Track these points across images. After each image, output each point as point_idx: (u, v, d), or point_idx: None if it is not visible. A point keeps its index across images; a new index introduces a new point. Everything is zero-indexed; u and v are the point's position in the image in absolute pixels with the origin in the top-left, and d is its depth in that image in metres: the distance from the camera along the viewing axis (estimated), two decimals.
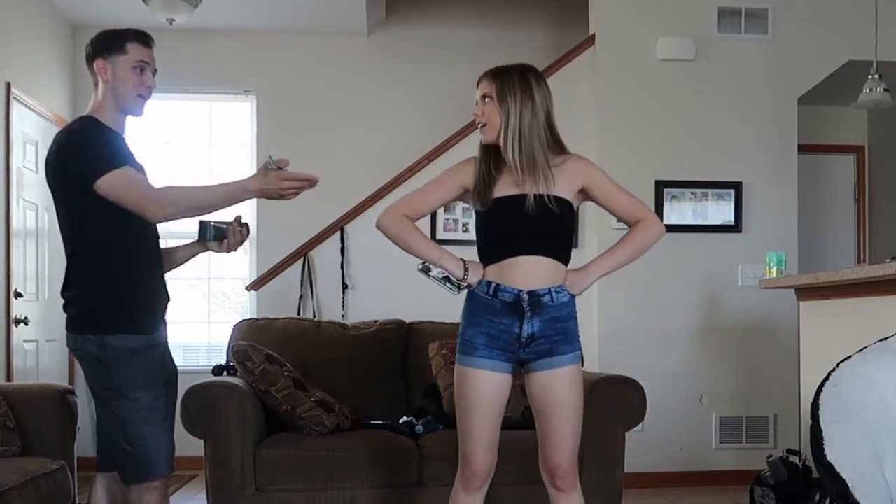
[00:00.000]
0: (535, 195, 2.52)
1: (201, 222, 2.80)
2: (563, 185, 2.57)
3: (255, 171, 6.81)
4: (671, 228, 5.47)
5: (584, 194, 2.65)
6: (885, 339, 2.05)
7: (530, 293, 2.52)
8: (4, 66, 5.14)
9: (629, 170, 5.39)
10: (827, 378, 1.94)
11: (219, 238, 2.83)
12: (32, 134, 5.42)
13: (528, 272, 2.53)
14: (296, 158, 6.86)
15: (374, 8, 6.03)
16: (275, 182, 2.59)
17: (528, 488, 3.09)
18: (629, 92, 5.45)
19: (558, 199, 2.54)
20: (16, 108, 5.20)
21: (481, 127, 2.63)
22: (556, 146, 2.61)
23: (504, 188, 2.57)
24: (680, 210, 5.43)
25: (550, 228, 2.56)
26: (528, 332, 2.53)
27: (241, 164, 6.32)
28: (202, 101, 6.22)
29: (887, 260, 3.51)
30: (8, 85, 5.13)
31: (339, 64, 6.30)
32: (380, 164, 5.91)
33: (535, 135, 2.55)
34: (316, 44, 6.28)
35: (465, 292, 2.63)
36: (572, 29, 6.08)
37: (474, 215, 2.69)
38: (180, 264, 2.93)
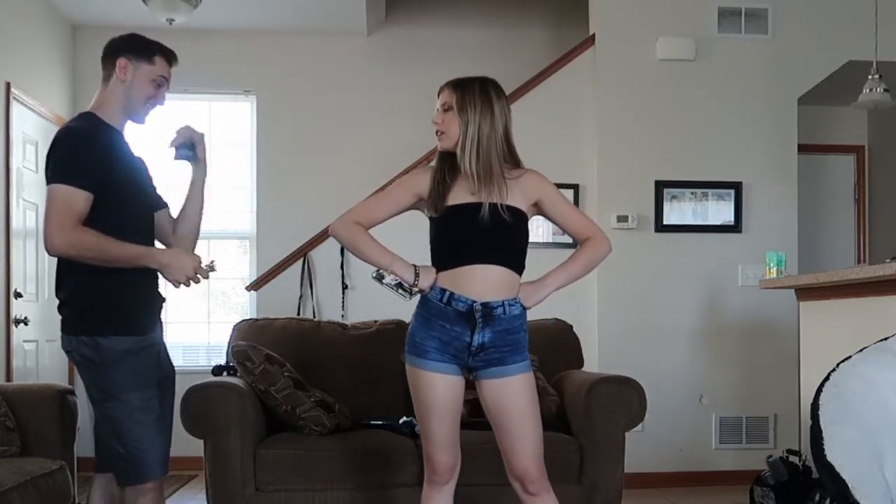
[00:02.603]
0: (489, 204, 2.55)
1: (179, 145, 2.76)
2: (517, 197, 2.61)
3: (255, 171, 6.81)
4: (671, 228, 5.52)
5: (537, 208, 2.69)
6: (885, 339, 2.05)
7: (484, 304, 2.55)
8: (4, 66, 5.14)
9: (629, 170, 5.41)
10: (827, 378, 1.94)
11: (192, 152, 2.78)
12: (32, 134, 5.42)
13: (482, 282, 2.56)
14: (296, 158, 6.92)
15: (374, 8, 6.03)
16: (188, 264, 2.56)
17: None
18: (629, 92, 5.45)
19: (512, 209, 2.58)
20: (16, 108, 5.20)
21: (440, 135, 2.67)
22: (512, 159, 2.66)
23: (458, 196, 2.60)
24: (680, 210, 5.43)
25: (503, 237, 2.58)
26: (479, 341, 2.57)
27: (241, 164, 6.33)
28: (202, 101, 6.21)
29: (887, 260, 3.51)
30: (8, 85, 5.13)
31: (339, 64, 6.30)
32: (380, 164, 5.90)
33: (492, 145, 2.59)
34: (316, 44, 6.28)
35: (417, 297, 2.65)
36: (572, 29, 6.08)
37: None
38: (196, 220, 2.86)
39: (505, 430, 2.61)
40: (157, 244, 2.81)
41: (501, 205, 2.55)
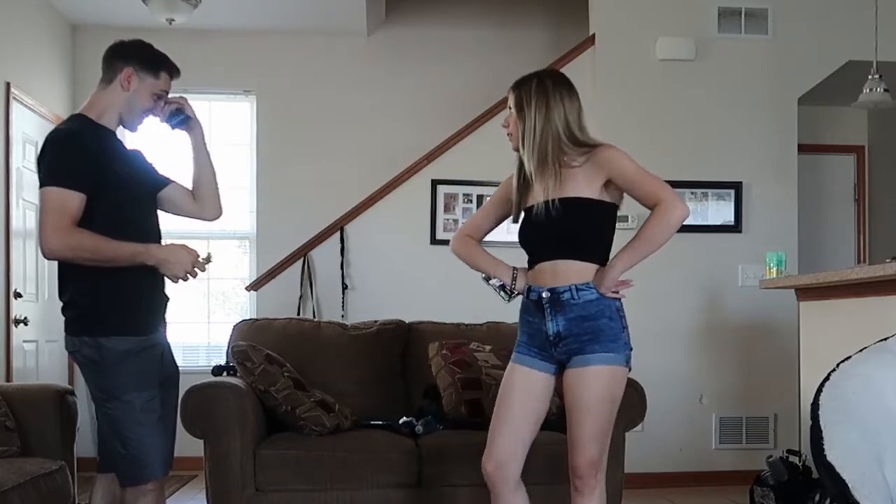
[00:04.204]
0: (542, 202, 2.56)
1: (169, 115, 2.79)
2: (580, 184, 2.55)
3: (255, 171, 6.81)
4: None
5: (615, 186, 2.60)
6: (885, 339, 2.05)
7: (551, 290, 2.56)
8: (4, 66, 5.14)
9: None
10: (827, 378, 1.94)
11: (184, 115, 2.82)
12: (32, 134, 5.41)
13: (552, 274, 2.59)
14: (296, 158, 6.92)
15: (374, 8, 6.03)
16: (185, 259, 2.57)
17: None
18: (629, 92, 5.45)
19: (568, 200, 2.53)
20: (15, 108, 5.20)
21: (509, 137, 2.70)
22: (579, 147, 2.59)
23: (531, 198, 2.64)
24: None
25: (557, 233, 2.56)
26: (554, 330, 2.56)
27: (241, 164, 6.33)
28: (202, 101, 6.20)
29: (887, 260, 3.51)
30: (8, 85, 5.13)
31: (339, 64, 6.30)
32: (380, 164, 5.91)
33: (548, 140, 2.57)
34: (316, 44, 6.28)
35: (518, 300, 2.72)
36: (572, 29, 6.08)
37: None
38: (212, 179, 2.89)
39: (568, 420, 2.58)
40: (162, 239, 2.80)
41: (553, 200, 2.54)
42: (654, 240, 2.53)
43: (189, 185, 2.91)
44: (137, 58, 2.66)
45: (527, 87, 2.62)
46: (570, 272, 2.55)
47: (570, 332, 2.54)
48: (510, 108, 2.65)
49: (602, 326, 2.53)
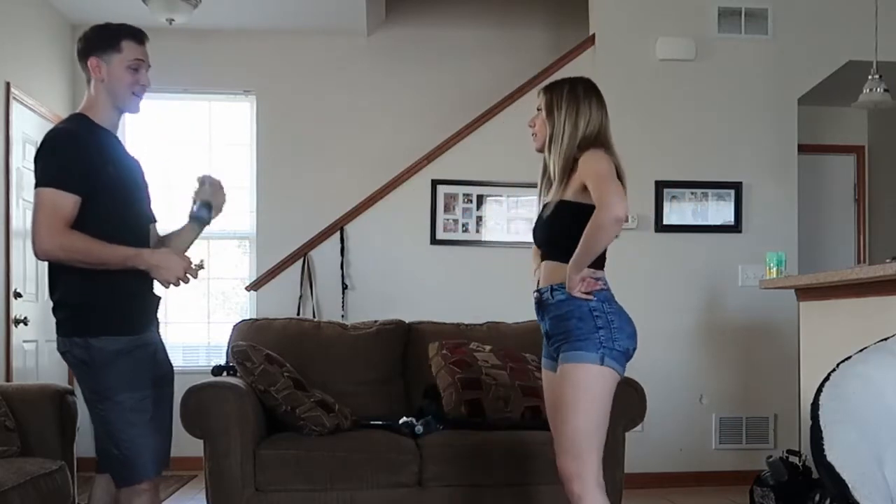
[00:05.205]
0: (545, 204, 2.68)
1: (201, 203, 2.83)
2: (569, 190, 2.63)
3: (255, 171, 6.81)
4: (671, 228, 5.52)
5: None
6: (885, 339, 2.05)
7: (538, 290, 2.68)
8: (4, 66, 5.14)
9: (629, 170, 5.36)
10: (827, 378, 1.94)
11: (208, 212, 2.85)
12: (32, 134, 5.41)
13: (542, 275, 2.69)
14: (296, 158, 6.91)
15: (374, 8, 6.03)
16: (177, 265, 2.56)
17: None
18: (629, 92, 5.44)
19: (559, 203, 2.62)
20: (15, 108, 5.20)
21: (533, 137, 2.76)
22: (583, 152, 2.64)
23: (550, 198, 2.71)
24: (680, 210, 5.43)
25: (544, 234, 2.70)
26: (543, 329, 2.69)
27: (241, 164, 6.33)
28: (202, 102, 6.21)
29: (887, 260, 3.51)
30: (7, 85, 5.13)
31: (339, 64, 6.30)
32: (380, 164, 5.91)
33: (574, 146, 2.62)
34: (316, 44, 6.28)
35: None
36: (572, 29, 6.08)
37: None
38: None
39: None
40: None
41: (551, 203, 2.64)
42: (591, 241, 2.47)
43: (159, 228, 2.90)
44: (94, 44, 2.64)
45: (558, 92, 2.67)
46: (550, 273, 2.65)
47: (553, 331, 2.63)
48: (539, 109, 2.70)
49: (571, 327, 2.55)
